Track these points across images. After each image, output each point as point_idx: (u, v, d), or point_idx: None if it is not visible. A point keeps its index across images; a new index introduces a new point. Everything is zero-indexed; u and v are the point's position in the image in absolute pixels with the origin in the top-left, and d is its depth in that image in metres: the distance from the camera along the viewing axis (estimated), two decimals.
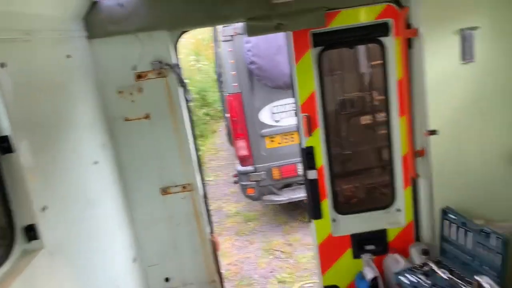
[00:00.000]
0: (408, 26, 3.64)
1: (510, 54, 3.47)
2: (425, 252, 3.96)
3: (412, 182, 4.07)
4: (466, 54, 3.45)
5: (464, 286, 3.45)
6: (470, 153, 3.68)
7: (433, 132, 3.64)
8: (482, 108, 3.59)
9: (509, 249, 3.34)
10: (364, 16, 3.71)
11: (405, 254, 4.07)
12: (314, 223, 4.23)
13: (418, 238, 4.16)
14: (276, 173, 6.87)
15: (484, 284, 2.76)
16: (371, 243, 4.17)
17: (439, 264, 3.78)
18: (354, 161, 5.30)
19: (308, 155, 4.04)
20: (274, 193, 6.95)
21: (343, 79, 5.53)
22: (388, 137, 4.10)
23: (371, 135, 5.25)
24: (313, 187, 4.10)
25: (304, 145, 4.06)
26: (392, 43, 3.76)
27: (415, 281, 3.62)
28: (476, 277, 2.81)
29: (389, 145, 4.11)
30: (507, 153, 3.62)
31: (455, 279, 3.57)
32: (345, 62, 5.48)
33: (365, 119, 5.43)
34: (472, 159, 3.70)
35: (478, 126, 3.63)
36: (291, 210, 7.21)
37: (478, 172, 3.72)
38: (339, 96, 5.42)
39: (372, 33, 3.78)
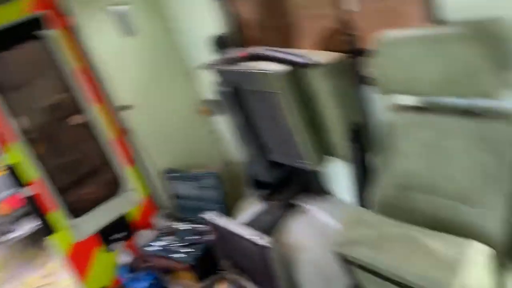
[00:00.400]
0: (66, 14, 3.63)
1: (161, 25, 3.92)
2: (168, 216, 4.28)
3: (134, 159, 4.25)
4: (125, 30, 3.71)
5: (203, 227, 3.93)
6: (167, 116, 4.09)
7: (126, 108, 3.86)
8: (159, 75, 3.99)
9: (223, 182, 3.96)
10: (13, 14, 3.47)
11: (152, 226, 4.29)
12: (52, 239, 3.95)
13: (160, 207, 4.44)
14: (3, 208, 5.99)
15: (209, 218, 3.19)
16: (117, 232, 4.21)
17: (180, 220, 4.16)
18: (83, 162, 5.11)
19: (13, 173, 3.68)
20: (9, 231, 6.07)
21: (41, 83, 5.12)
22: (95, 129, 4.11)
23: (86, 133, 5.15)
24: (33, 204, 3.79)
25: (6, 163, 3.67)
26: (56, 36, 3.68)
27: (165, 243, 3.89)
28: (201, 215, 3.22)
29: (100, 136, 4.13)
30: (192, 106, 4.18)
31: (195, 225, 4.01)
32: (38, 65, 5.07)
33: (75, 119, 5.26)
34: (171, 120, 4.12)
35: (163, 91, 4.04)
36: (38, 239, 6.47)
37: (180, 129, 4.18)
38: (40, 103, 5.02)
39: (27, 30, 3.58)
